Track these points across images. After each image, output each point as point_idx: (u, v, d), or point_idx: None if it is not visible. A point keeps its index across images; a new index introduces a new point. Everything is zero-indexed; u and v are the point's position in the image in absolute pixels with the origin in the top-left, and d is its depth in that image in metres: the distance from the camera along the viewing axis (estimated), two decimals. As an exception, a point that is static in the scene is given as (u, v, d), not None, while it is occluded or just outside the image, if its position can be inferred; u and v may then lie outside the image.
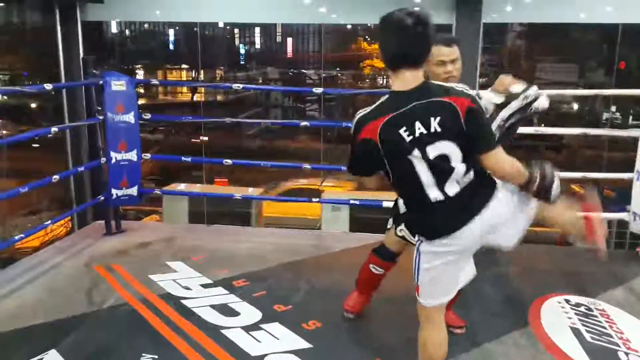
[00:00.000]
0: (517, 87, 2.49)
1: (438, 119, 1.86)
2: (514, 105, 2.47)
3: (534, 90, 2.49)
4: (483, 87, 5.28)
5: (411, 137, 1.86)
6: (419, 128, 1.86)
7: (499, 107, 2.50)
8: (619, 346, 2.85)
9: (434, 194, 1.94)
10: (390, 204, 4.75)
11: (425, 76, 2.41)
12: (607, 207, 6.55)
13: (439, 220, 1.98)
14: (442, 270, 2.04)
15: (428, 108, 1.87)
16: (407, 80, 1.90)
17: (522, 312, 3.20)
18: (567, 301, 3.35)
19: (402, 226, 2.76)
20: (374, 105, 1.93)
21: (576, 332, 2.97)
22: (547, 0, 5.85)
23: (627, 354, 2.78)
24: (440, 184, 1.93)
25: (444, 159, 1.90)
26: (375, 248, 3.00)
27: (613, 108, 7.06)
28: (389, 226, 2.90)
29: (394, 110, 1.87)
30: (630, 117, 7.23)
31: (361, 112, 1.94)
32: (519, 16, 6.55)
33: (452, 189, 1.95)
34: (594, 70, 7.54)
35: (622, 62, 6.31)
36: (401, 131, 1.86)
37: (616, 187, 6.48)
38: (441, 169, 1.91)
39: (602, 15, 5.84)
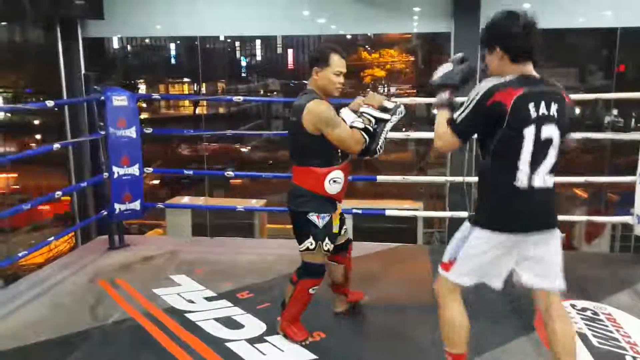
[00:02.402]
0: (389, 103, 2.83)
1: (556, 106, 2.10)
2: (394, 119, 2.80)
3: (402, 108, 2.84)
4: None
5: (535, 114, 2.06)
6: (543, 108, 2.07)
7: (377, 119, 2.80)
8: (626, 350, 2.83)
9: (523, 176, 2.10)
10: (393, 212, 4.75)
11: (315, 85, 2.79)
12: (611, 210, 6.55)
13: (519, 213, 2.14)
14: (484, 257, 2.20)
15: (550, 94, 2.11)
16: (528, 70, 2.14)
17: (528, 318, 3.18)
18: (573, 306, 3.34)
19: (327, 240, 2.81)
20: (504, 80, 2.10)
21: (583, 337, 2.95)
22: (545, 6, 5.85)
23: (634, 357, 2.76)
24: (534, 166, 2.10)
25: (548, 143, 2.10)
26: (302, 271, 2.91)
27: (615, 111, 7.03)
28: (311, 247, 2.80)
29: (527, 86, 2.08)
30: (633, 120, 7.20)
31: (492, 82, 2.09)
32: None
33: (538, 180, 2.12)
34: (594, 74, 7.53)
35: (621, 65, 6.30)
36: (530, 105, 2.05)
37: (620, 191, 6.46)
38: (542, 151, 2.10)
39: (600, 19, 5.85)
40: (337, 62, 2.74)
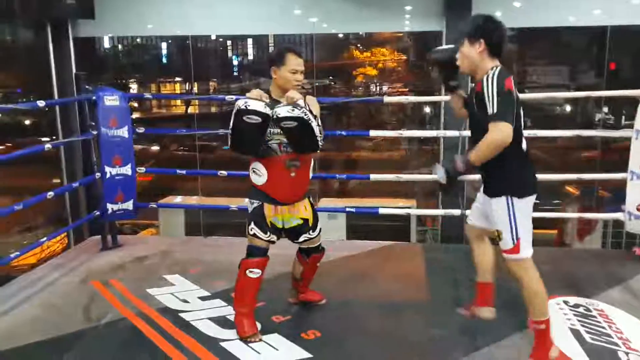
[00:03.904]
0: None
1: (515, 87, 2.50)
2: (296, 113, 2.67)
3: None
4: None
5: (516, 95, 2.47)
6: (516, 87, 2.47)
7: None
8: (618, 346, 2.85)
9: (524, 144, 2.55)
10: (386, 210, 4.77)
11: (275, 84, 2.90)
12: (602, 207, 6.60)
13: (531, 177, 2.59)
14: (530, 219, 2.57)
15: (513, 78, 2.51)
16: (500, 62, 2.54)
17: (522, 314, 3.19)
18: (566, 302, 3.36)
19: (252, 225, 2.92)
20: (498, 68, 2.48)
21: (576, 333, 2.97)
22: (536, 5, 5.88)
23: (627, 353, 2.78)
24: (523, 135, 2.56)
25: (520, 116, 2.53)
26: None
27: (605, 109, 7.08)
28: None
29: (509, 73, 2.46)
30: (623, 118, 7.25)
31: (497, 71, 2.44)
32: (509, 21, 6.57)
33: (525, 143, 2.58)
34: (585, 72, 7.58)
35: (612, 63, 6.34)
36: (515, 88, 2.45)
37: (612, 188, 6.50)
38: (523, 121, 2.55)
39: (590, 18, 5.88)
40: (293, 61, 2.86)
